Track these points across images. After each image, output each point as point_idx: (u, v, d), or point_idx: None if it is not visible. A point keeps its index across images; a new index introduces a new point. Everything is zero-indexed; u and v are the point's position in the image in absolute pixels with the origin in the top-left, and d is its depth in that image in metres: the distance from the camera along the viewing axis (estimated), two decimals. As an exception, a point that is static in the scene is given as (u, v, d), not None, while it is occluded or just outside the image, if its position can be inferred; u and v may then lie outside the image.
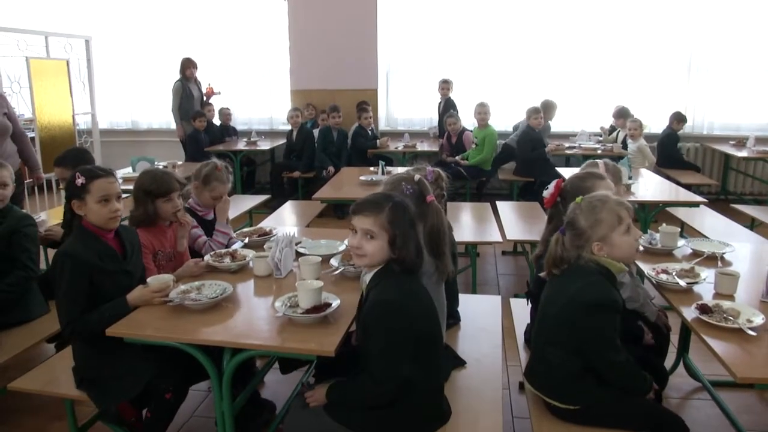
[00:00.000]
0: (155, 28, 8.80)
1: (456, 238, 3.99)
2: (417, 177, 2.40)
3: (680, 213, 5.21)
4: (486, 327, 2.91)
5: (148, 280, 2.45)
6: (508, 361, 3.47)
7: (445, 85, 7.80)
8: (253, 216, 5.80)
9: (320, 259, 2.68)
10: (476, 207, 5.21)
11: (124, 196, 2.73)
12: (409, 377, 1.95)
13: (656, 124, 7.54)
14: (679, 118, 7.30)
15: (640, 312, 2.66)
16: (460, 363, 2.52)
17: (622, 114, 7.30)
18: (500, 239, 4.27)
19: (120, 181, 3.65)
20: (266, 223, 4.73)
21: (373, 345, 1.96)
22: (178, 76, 7.91)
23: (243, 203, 5.76)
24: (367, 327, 2.00)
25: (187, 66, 7.89)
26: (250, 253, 2.87)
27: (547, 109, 7.31)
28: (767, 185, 7.32)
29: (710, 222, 5.02)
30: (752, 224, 5.43)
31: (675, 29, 7.76)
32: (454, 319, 2.88)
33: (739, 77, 7.80)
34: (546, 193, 2.72)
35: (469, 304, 3.10)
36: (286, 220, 5.21)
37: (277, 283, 2.63)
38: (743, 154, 7.06)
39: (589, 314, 2.06)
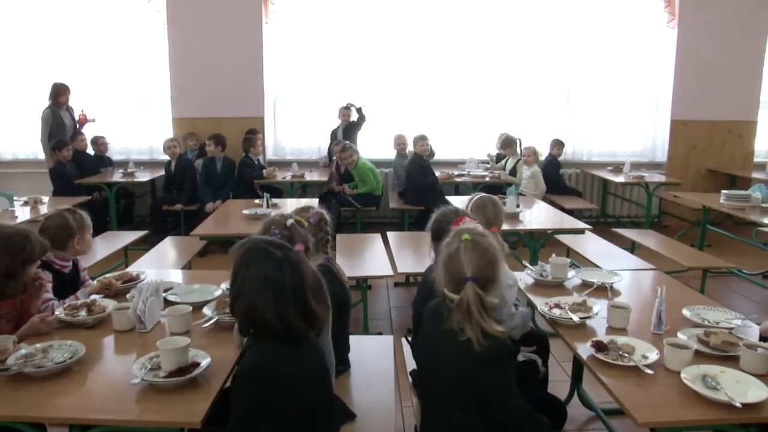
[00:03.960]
0: (20, 49, 8.01)
1: (346, 271, 3.82)
2: (289, 222, 2.21)
3: (565, 238, 5.31)
4: (378, 371, 2.74)
5: (-18, 343, 2.08)
6: (403, 401, 3.31)
7: (346, 112, 7.67)
8: (128, 253, 5.33)
9: (191, 308, 2.40)
10: (367, 238, 5.07)
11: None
12: None
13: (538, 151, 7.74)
14: (558, 144, 7.62)
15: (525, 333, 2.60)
16: (350, 417, 2.31)
17: (509, 142, 7.43)
18: (391, 272, 4.13)
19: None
20: (139, 264, 4.35)
21: (233, 409, 1.75)
22: (47, 103, 7.25)
23: (118, 239, 5.32)
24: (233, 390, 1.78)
25: (61, 92, 7.24)
26: (110, 304, 2.53)
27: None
28: (643, 209, 7.69)
29: (594, 246, 5.13)
30: (633, 247, 5.62)
31: (554, 62, 8.06)
32: (343, 365, 2.68)
33: (615, 107, 8.22)
34: None
35: (360, 347, 2.92)
36: (165, 259, 4.82)
37: (141, 339, 2.32)
38: (620, 179, 7.39)
39: (485, 364, 1.91)
